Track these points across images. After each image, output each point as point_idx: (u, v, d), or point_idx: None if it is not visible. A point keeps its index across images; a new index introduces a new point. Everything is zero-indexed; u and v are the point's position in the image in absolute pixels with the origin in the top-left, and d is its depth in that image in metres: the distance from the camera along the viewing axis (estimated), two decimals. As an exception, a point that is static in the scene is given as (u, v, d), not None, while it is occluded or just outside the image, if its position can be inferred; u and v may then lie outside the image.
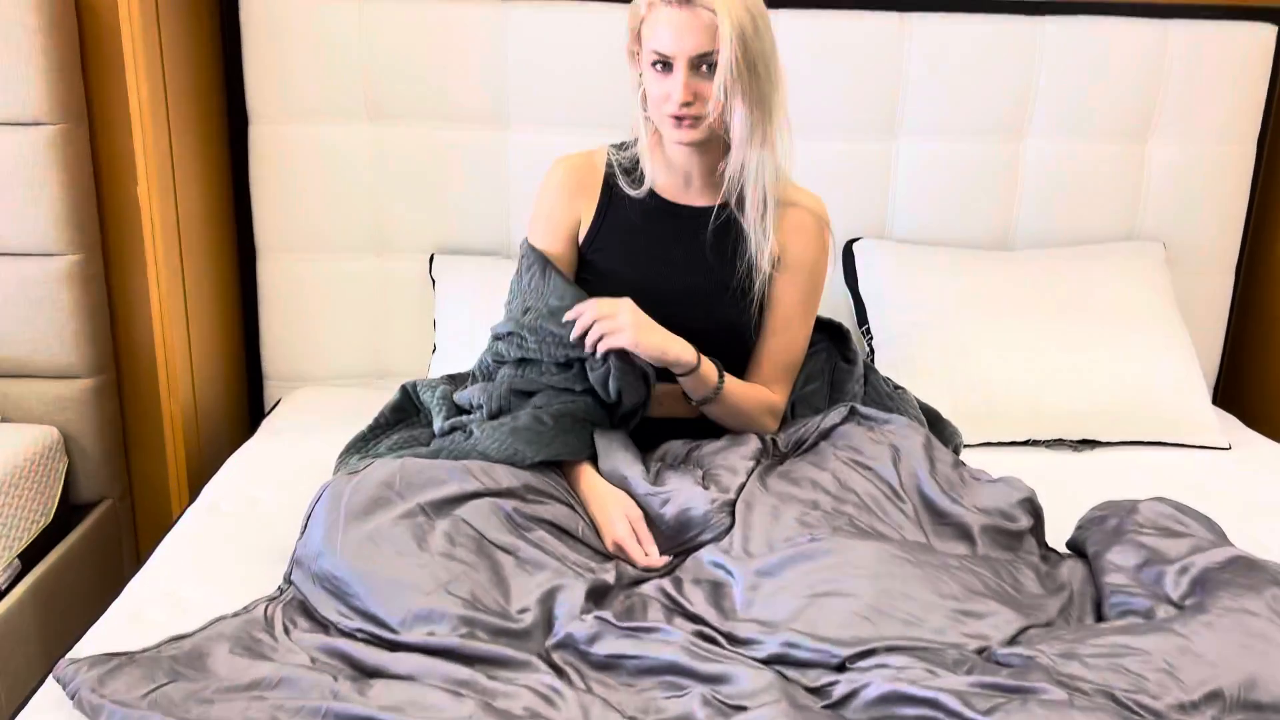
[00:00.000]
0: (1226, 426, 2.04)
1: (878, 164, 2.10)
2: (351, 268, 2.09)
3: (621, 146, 1.55)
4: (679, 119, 1.40)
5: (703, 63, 1.37)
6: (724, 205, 1.49)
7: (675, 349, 1.42)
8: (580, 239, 1.54)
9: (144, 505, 2.16)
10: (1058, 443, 1.96)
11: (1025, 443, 1.96)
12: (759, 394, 1.52)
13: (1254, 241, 2.27)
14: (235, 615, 1.26)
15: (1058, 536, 1.44)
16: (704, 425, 1.54)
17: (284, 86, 1.98)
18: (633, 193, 1.51)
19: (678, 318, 1.47)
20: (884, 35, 2.04)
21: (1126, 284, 2.05)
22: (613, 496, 1.40)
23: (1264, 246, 2.26)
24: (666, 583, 1.27)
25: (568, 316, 1.44)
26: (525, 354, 1.49)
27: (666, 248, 1.51)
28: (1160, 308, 2.04)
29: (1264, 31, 2.09)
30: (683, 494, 1.36)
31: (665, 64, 1.38)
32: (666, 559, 1.35)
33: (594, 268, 1.53)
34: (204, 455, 1.94)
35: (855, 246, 2.10)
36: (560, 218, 1.54)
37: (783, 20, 2.01)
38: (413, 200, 2.06)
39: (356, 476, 1.35)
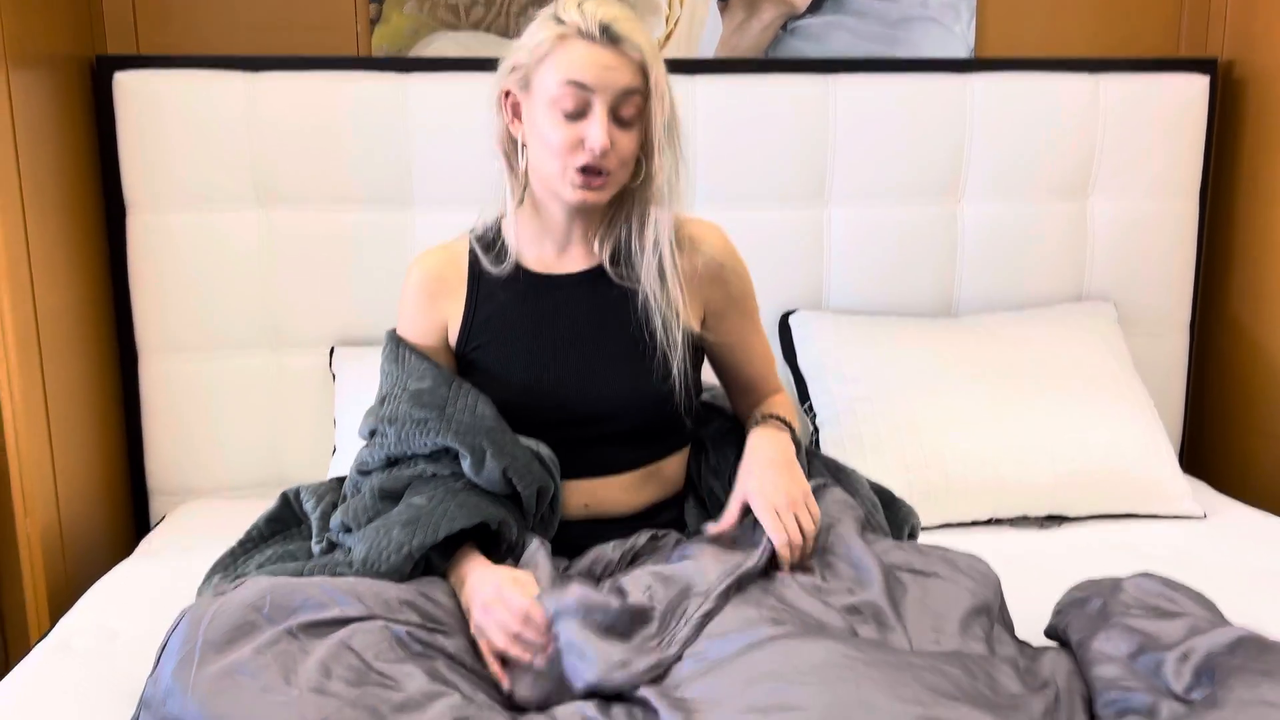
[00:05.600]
0: (1198, 493, 1.90)
1: (809, 232, 1.99)
2: (244, 365, 1.90)
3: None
4: (591, 173, 1.23)
5: (622, 107, 1.23)
6: (601, 265, 1.34)
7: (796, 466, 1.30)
8: (453, 341, 1.37)
9: (14, 642, 1.91)
10: (1022, 520, 1.81)
11: (987, 522, 1.80)
12: (785, 402, 1.43)
13: (1205, 298, 2.18)
14: (63, 776, 1.03)
15: (1032, 624, 1.27)
16: (643, 517, 1.36)
17: (164, 171, 1.82)
18: (495, 270, 1.35)
19: (582, 405, 1.30)
20: (808, 98, 1.94)
21: (1080, 347, 1.93)
22: (492, 571, 1.19)
23: (1216, 303, 2.17)
24: (589, 706, 1.07)
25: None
26: (389, 451, 1.29)
27: (552, 326, 1.33)
28: (1118, 371, 1.92)
29: (1197, 82, 2.03)
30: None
31: (577, 109, 1.22)
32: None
33: (477, 369, 1.35)
34: (72, 584, 1.71)
35: (791, 319, 1.96)
36: (424, 324, 1.38)
37: (700, 86, 1.92)
38: (309, 289, 1.89)
39: (220, 600, 1.14)
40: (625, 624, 1.11)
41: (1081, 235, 2.05)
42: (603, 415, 1.32)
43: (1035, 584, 1.39)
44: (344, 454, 1.77)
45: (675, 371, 1.31)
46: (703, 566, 1.17)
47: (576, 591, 1.12)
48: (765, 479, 1.25)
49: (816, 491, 1.29)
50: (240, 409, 1.91)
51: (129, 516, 1.96)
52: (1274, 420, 2.05)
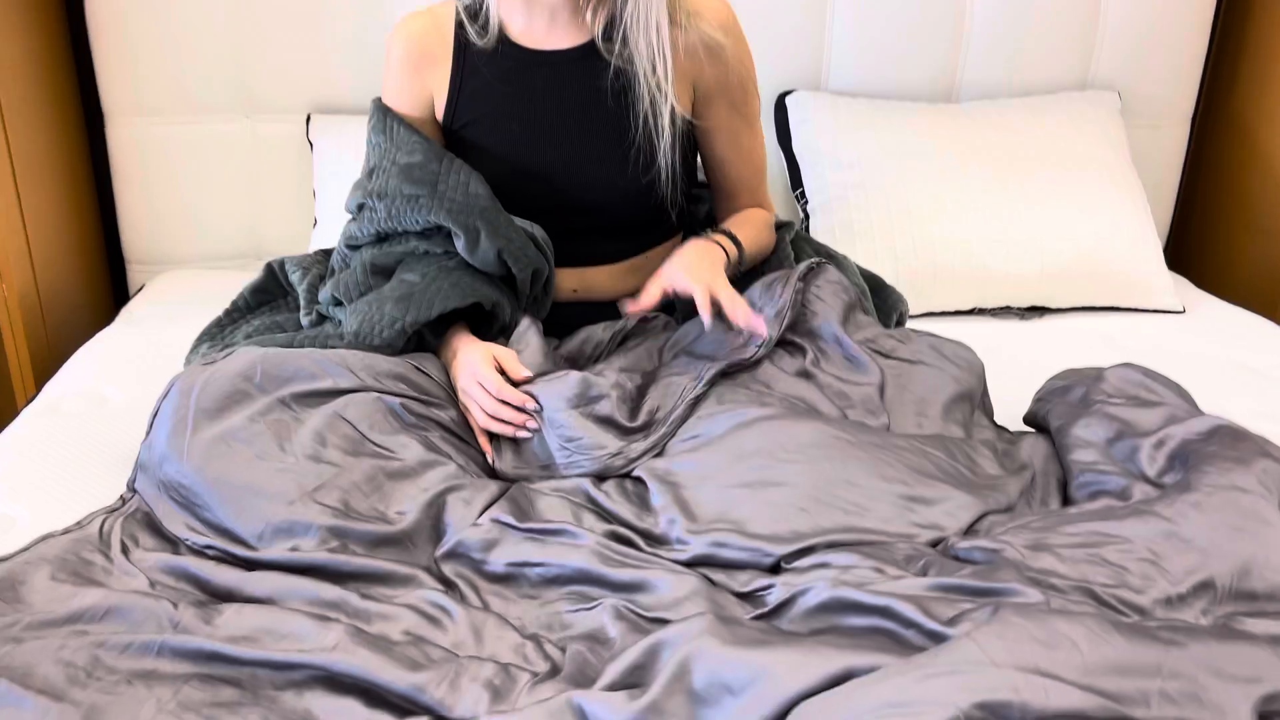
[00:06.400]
0: (1179, 288, 1.92)
1: (812, 7, 1.88)
2: (217, 131, 1.82)
3: None
4: None
5: None
6: (593, 40, 1.25)
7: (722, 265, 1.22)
8: (439, 116, 1.30)
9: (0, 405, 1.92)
10: (1004, 310, 1.82)
11: (970, 312, 1.82)
12: (759, 220, 1.34)
13: (1210, 91, 2.12)
14: (65, 532, 1.06)
15: (1010, 410, 1.30)
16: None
17: (119, -85, 1.68)
18: (481, 42, 1.26)
19: (572, 193, 1.25)
20: None
21: (1080, 137, 1.88)
22: (474, 348, 1.17)
23: (1220, 96, 2.11)
24: (585, 480, 1.10)
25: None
26: (379, 227, 1.25)
27: (541, 107, 1.26)
28: (1115, 163, 1.89)
29: None
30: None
31: None
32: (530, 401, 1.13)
33: (464, 145, 1.28)
34: (54, 349, 1.70)
35: (788, 100, 1.89)
36: (409, 96, 1.31)
37: None
38: (283, 52, 1.79)
39: (210, 368, 1.14)
40: (622, 414, 1.12)
41: (1092, 19, 1.96)
42: (589, 207, 1.28)
43: (1014, 373, 1.42)
44: (325, 227, 1.74)
45: (661, 163, 1.26)
46: (693, 361, 1.17)
47: (574, 381, 1.12)
48: (692, 263, 1.19)
49: (812, 270, 1.27)
50: (215, 178, 1.85)
51: (107, 285, 1.93)
52: (1262, 216, 2.04)
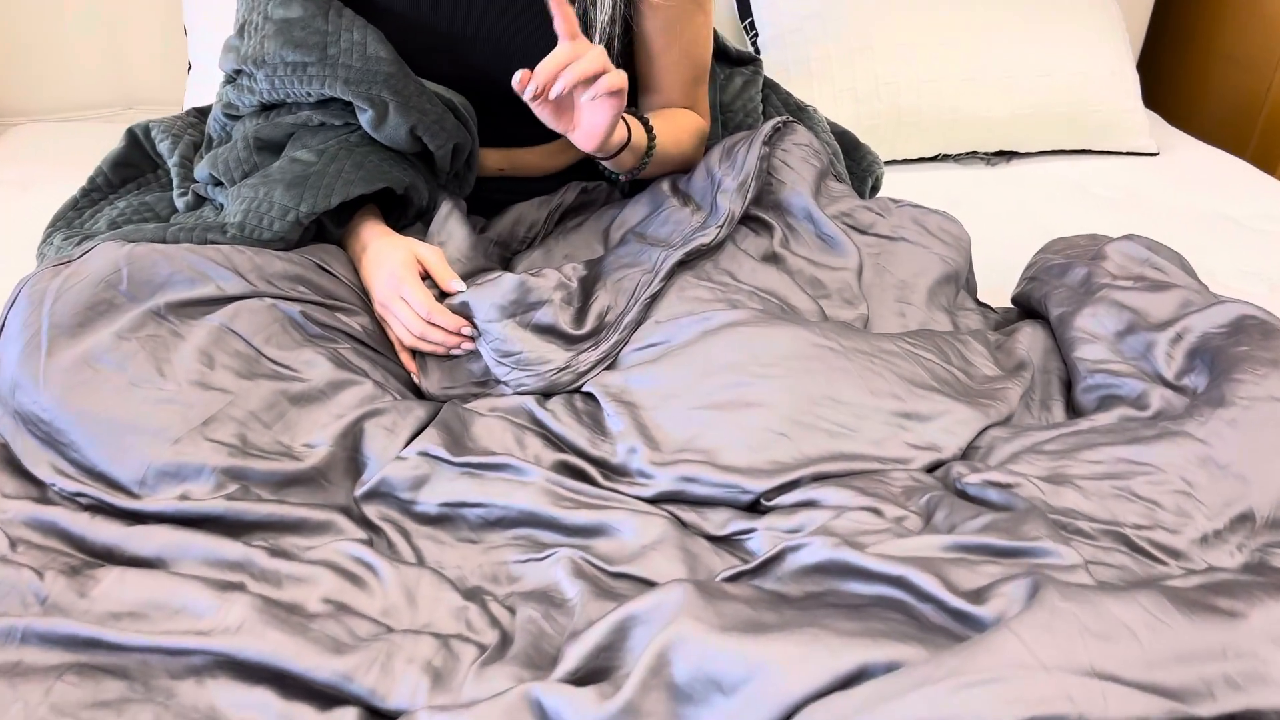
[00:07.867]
0: (1152, 127, 1.78)
1: None
2: (59, -46, 1.53)
3: None
4: None
5: None
6: None
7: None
8: None
9: None
10: (970, 156, 1.67)
11: (934, 158, 1.67)
12: (687, 124, 1.10)
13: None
14: (-97, 474, 0.88)
15: (978, 270, 1.15)
16: (567, 174, 1.16)
17: None
18: None
19: (498, 76, 0.99)
20: None
21: (1057, -45, 1.70)
22: (390, 246, 0.98)
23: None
24: (529, 399, 0.94)
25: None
26: (262, 99, 1.02)
27: None
28: (1094, -13, 1.71)
29: None
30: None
31: None
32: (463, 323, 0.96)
33: (369, 6, 1.02)
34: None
35: (734, -89, 1.65)
36: None
37: None
38: None
39: (65, 272, 0.93)
40: (565, 319, 0.95)
41: None
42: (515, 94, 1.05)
43: (982, 226, 1.26)
44: (202, 73, 1.49)
45: (597, 38, 1.02)
46: (645, 247, 1.00)
47: (509, 285, 0.94)
48: None
49: (778, 130, 1.09)
50: (69, 11, 1.56)
51: (-52, 142, 1.66)
52: (1235, 45, 1.90)
